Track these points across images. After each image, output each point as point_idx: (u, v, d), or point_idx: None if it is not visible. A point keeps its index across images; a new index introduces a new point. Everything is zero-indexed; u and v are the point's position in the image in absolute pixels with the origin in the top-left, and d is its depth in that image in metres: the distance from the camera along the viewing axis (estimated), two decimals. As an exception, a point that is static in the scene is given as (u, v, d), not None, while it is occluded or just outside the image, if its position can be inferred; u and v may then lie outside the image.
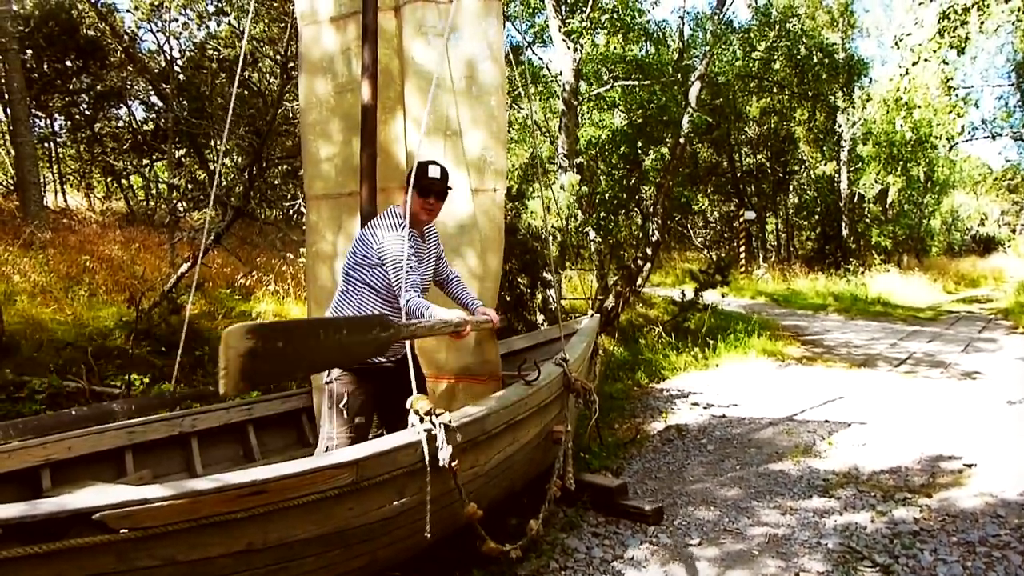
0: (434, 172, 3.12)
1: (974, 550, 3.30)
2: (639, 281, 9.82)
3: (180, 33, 12.23)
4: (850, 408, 6.17)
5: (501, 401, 3.11)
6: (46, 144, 13.10)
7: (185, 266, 6.28)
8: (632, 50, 16.33)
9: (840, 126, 20.46)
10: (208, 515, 1.94)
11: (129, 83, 12.80)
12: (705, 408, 6.38)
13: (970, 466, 4.48)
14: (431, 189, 3.11)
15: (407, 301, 2.91)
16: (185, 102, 11.18)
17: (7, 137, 11.38)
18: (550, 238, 7.60)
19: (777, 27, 16.95)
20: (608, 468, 4.66)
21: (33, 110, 11.14)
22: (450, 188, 3.23)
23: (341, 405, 3.03)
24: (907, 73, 9.84)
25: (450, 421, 2.60)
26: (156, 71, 12.26)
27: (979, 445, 4.88)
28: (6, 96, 10.00)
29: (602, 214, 10.44)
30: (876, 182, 21.16)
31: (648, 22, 16.09)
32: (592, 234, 10.65)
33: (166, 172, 13.33)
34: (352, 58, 4.12)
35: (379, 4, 3.78)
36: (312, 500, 2.15)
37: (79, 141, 13.50)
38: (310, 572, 2.28)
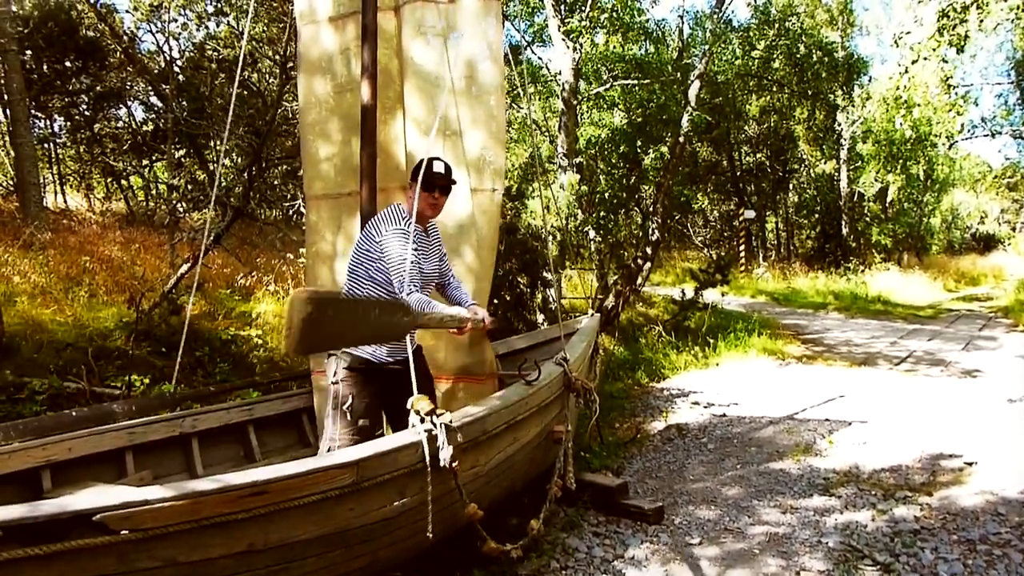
0: (438, 167, 3.14)
1: (975, 548, 3.30)
2: (639, 280, 9.82)
3: (179, 33, 12.24)
4: (850, 407, 6.17)
5: (502, 401, 3.11)
6: (46, 145, 13.09)
7: (185, 267, 6.27)
8: (631, 49, 16.32)
9: (840, 124, 20.46)
10: (209, 516, 1.93)
11: (129, 84, 12.79)
12: (705, 407, 6.38)
13: (970, 464, 4.48)
14: (435, 184, 3.13)
15: (407, 295, 2.92)
16: (185, 103, 11.17)
17: (7, 138, 11.38)
18: (550, 238, 7.61)
19: (776, 26, 16.96)
20: (609, 467, 4.66)
21: (33, 111, 11.13)
22: (454, 183, 3.24)
23: (345, 407, 3.01)
24: (907, 71, 9.84)
25: (451, 421, 2.60)
26: (155, 72, 12.25)
27: (979, 443, 4.89)
28: (6, 97, 9.99)
29: (602, 213, 10.44)
30: (876, 180, 21.16)
31: (647, 21, 16.10)
32: (592, 233, 10.65)
33: (166, 173, 13.33)
34: (351, 58, 4.12)
35: (379, 4, 3.78)
36: (313, 501, 2.15)
37: (79, 142, 13.48)
38: (311, 573, 2.28)
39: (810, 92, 18.87)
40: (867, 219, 22.01)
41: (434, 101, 3.93)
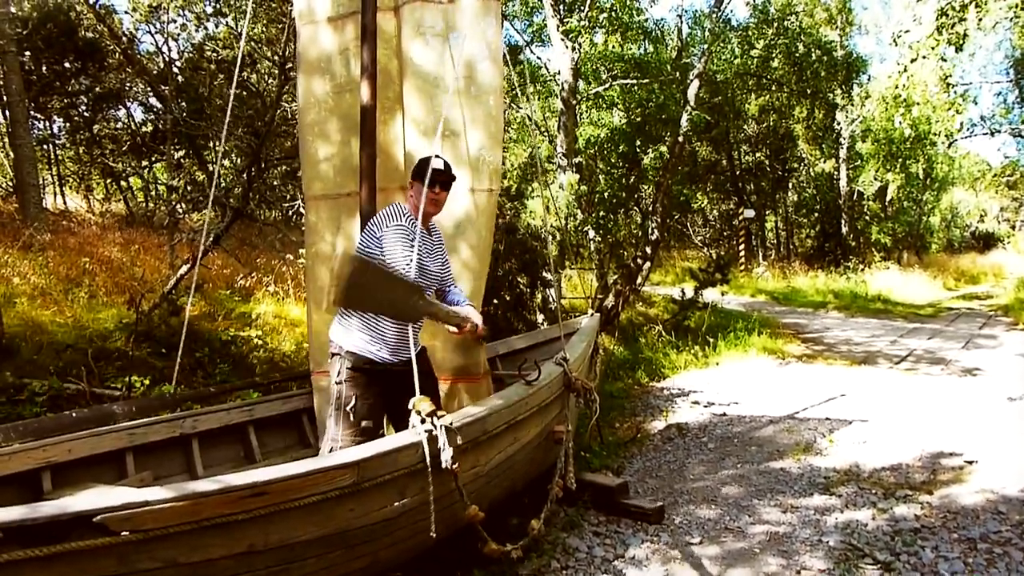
0: (438, 163, 3.14)
1: (975, 547, 3.30)
2: (639, 280, 9.83)
3: (178, 34, 12.22)
4: (851, 405, 6.17)
5: (502, 401, 3.11)
6: (45, 146, 13.08)
7: (184, 267, 6.27)
8: (630, 49, 16.32)
9: (839, 123, 20.47)
10: (209, 517, 1.94)
11: (128, 85, 12.78)
12: (706, 406, 6.38)
13: (971, 463, 4.48)
14: (436, 179, 3.13)
15: None
16: (184, 103, 11.15)
17: (6, 139, 11.37)
18: (549, 237, 7.60)
19: (775, 25, 16.95)
20: (609, 467, 4.66)
21: (32, 112, 11.12)
22: (454, 179, 3.25)
23: (348, 408, 2.99)
24: (906, 70, 9.83)
25: (452, 423, 2.60)
26: (155, 72, 12.24)
27: (980, 442, 4.89)
28: (4, 98, 9.99)
29: (601, 213, 10.45)
30: (875, 179, 21.17)
31: (646, 20, 16.07)
32: (591, 233, 10.66)
33: (165, 173, 13.32)
34: (351, 58, 4.12)
35: (378, 4, 3.78)
36: (313, 501, 2.15)
37: (78, 143, 13.48)
38: (311, 573, 2.28)
39: (809, 91, 18.86)
40: (867, 218, 22.03)
41: (433, 101, 3.94)
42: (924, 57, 9.39)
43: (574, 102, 12.47)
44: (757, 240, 24.51)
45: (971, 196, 34.56)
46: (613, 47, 15.73)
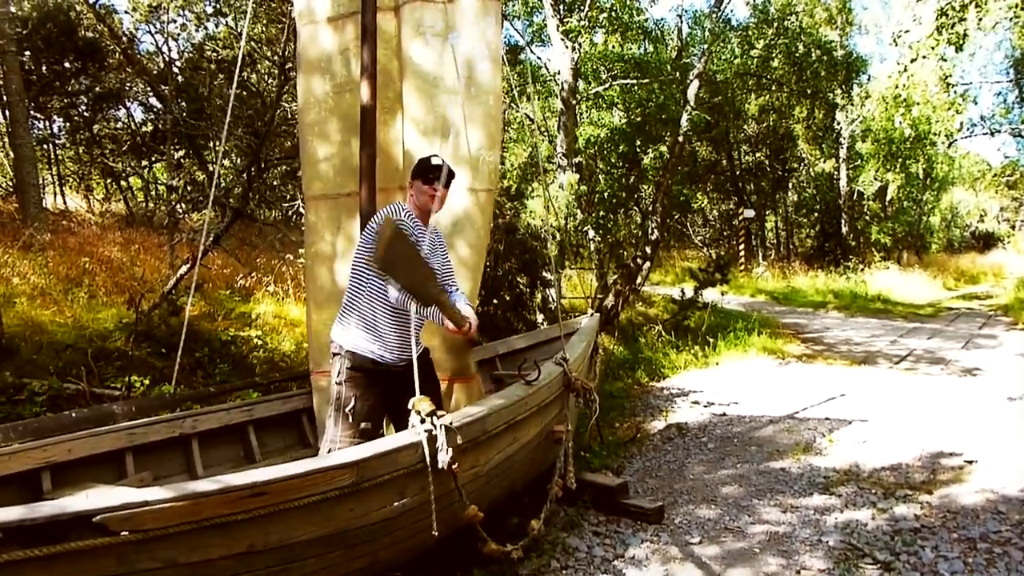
0: (437, 161, 3.15)
1: (975, 546, 3.30)
2: (639, 280, 9.83)
3: (178, 34, 12.21)
4: (850, 405, 6.17)
5: (502, 401, 3.11)
6: (45, 146, 13.07)
7: (184, 267, 6.27)
8: (630, 48, 16.31)
9: (839, 123, 20.47)
10: (209, 517, 1.94)
11: (128, 85, 12.77)
12: (705, 406, 6.38)
13: (971, 462, 4.48)
14: (437, 176, 3.13)
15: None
16: (184, 103, 11.15)
17: (6, 139, 11.37)
18: (549, 237, 7.61)
19: (775, 24, 16.95)
20: (609, 467, 4.66)
21: (32, 112, 11.12)
22: (453, 176, 3.25)
23: (347, 409, 2.99)
24: (906, 70, 9.83)
25: (451, 423, 2.60)
26: (155, 72, 12.24)
27: (980, 441, 4.89)
28: (4, 98, 9.98)
29: (601, 213, 10.45)
30: (875, 179, 21.15)
31: (646, 20, 16.06)
32: (591, 233, 10.66)
33: (165, 173, 13.31)
34: (351, 58, 4.12)
35: (378, 4, 3.78)
36: (313, 501, 2.15)
37: (78, 143, 13.47)
38: (311, 573, 2.28)
39: (809, 91, 18.86)
40: (867, 218, 22.03)
41: (433, 101, 3.95)
42: (924, 57, 9.40)
43: (574, 102, 12.46)
44: (757, 240, 24.52)
45: (971, 196, 34.56)
46: (613, 47, 15.73)
